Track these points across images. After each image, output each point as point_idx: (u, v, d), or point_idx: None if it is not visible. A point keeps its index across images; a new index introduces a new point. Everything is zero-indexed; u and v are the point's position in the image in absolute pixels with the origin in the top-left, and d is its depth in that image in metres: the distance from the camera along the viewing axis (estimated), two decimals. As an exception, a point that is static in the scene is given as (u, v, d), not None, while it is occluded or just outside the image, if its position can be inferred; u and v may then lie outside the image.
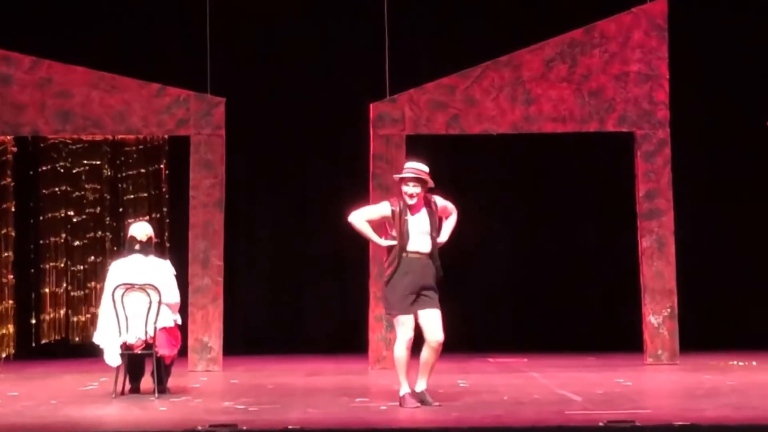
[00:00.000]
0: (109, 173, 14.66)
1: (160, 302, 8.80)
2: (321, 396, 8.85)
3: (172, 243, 14.20)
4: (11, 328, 13.96)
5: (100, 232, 14.61)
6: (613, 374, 10.55)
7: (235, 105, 12.70)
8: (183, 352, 10.25)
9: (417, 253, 7.91)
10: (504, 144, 13.20)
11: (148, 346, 8.79)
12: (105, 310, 8.89)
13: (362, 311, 12.45)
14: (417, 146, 12.19)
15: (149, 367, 9.04)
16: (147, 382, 9.09)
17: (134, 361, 9.00)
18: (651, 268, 11.97)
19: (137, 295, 8.76)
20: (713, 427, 6.76)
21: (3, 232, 13.89)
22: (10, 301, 13.79)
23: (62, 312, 14.45)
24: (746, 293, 14.11)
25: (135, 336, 8.78)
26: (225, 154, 12.14)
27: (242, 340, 14.02)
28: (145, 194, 14.58)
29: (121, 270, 8.93)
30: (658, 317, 11.91)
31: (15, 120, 12.16)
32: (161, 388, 8.87)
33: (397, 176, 8.13)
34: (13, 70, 12.09)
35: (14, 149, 13.80)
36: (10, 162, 13.83)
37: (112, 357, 8.79)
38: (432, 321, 7.88)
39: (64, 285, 14.50)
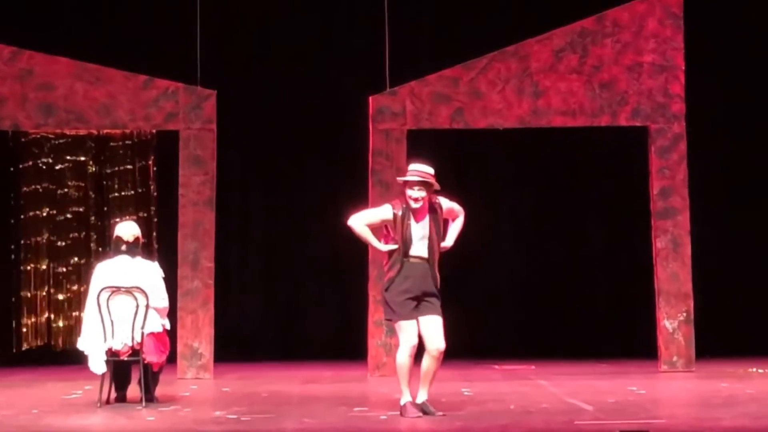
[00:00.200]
0: (93, 170, 14.68)
1: (147, 306, 8.78)
2: (318, 405, 8.85)
3: (160, 244, 14.21)
4: (-9, 333, 13.97)
5: (84, 232, 14.63)
6: (625, 382, 10.55)
7: (227, 98, 12.69)
8: (172, 359, 10.24)
9: (418, 258, 7.90)
10: (510, 139, 13.19)
11: (135, 352, 8.78)
12: (89, 315, 8.87)
13: (361, 315, 12.45)
14: (418, 141, 12.21)
15: (136, 375, 9.02)
16: (134, 390, 9.08)
17: (120, 368, 8.99)
18: (665, 270, 11.96)
19: (123, 298, 8.75)
20: (731, 438, 6.75)
21: (-18, 232, 13.93)
22: (-10, 305, 13.82)
23: (44, 316, 14.46)
24: (766, 296, 14.10)
25: (121, 342, 8.77)
26: (216, 149, 12.12)
27: (234, 346, 14.01)
28: (132, 192, 14.60)
29: (106, 272, 8.92)
30: (673, 322, 11.90)
31: (-6, 114, 12.14)
32: (149, 397, 8.86)
33: (401, 179, 8.10)
34: (-8, 61, 12.09)
35: (-7, 145, 13.83)
36: (-10, 158, 13.87)
37: (97, 364, 8.77)
38: (433, 328, 7.87)
39: (47, 288, 14.52)
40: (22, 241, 14.48)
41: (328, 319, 14.59)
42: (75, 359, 10.70)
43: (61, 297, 14.52)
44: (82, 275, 14.37)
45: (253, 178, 14.84)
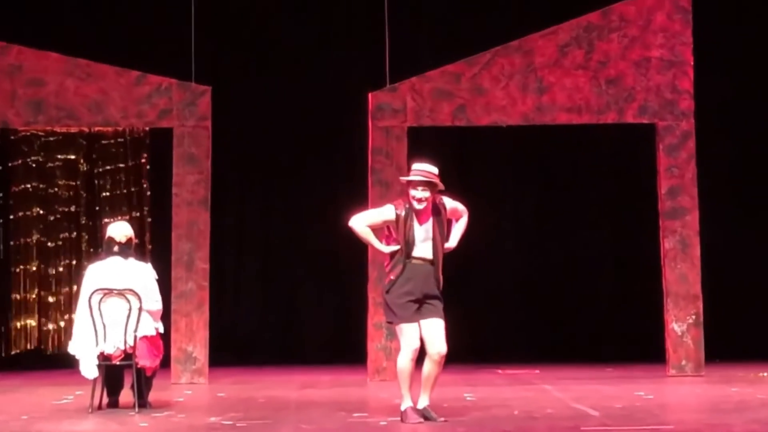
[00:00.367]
0: (85, 168, 14.69)
1: (140, 309, 8.79)
2: (316, 410, 8.85)
3: (153, 244, 14.23)
4: (-21, 337, 13.99)
5: (75, 233, 14.64)
6: (632, 387, 10.55)
7: (222, 94, 12.69)
8: (165, 363, 10.25)
9: (421, 259, 7.90)
10: (514, 136, 13.21)
11: (128, 356, 8.78)
12: (81, 318, 8.88)
13: (360, 318, 12.46)
14: (419, 139, 12.22)
15: (129, 380, 9.03)
16: (126, 395, 9.08)
17: (112, 372, 8.99)
18: (674, 272, 11.97)
19: (116, 301, 8.75)
20: (742, 445, 6.75)
21: (-30, 232, 13.95)
22: (-22, 308, 13.84)
23: (34, 319, 14.46)
24: (778, 298, 14.14)
25: (113, 345, 8.77)
26: (211, 147, 12.13)
27: (230, 350, 14.02)
28: (125, 191, 14.61)
29: (98, 274, 8.92)
30: (682, 325, 11.91)
31: (-18, 111, 12.15)
32: (142, 403, 8.86)
33: (404, 179, 8.10)
34: (-20, 57, 12.10)
35: (-18, 143, 13.85)
36: (-22, 157, 13.89)
37: (89, 368, 8.78)
38: (434, 332, 7.87)
39: (37, 290, 14.52)
40: (12, 242, 14.49)
41: (326, 322, 14.60)
42: (66, 363, 10.70)
43: (51, 299, 14.52)
44: (73, 277, 14.38)
45: (249, 176, 14.85)
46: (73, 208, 14.66)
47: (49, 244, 14.60)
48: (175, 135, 12.10)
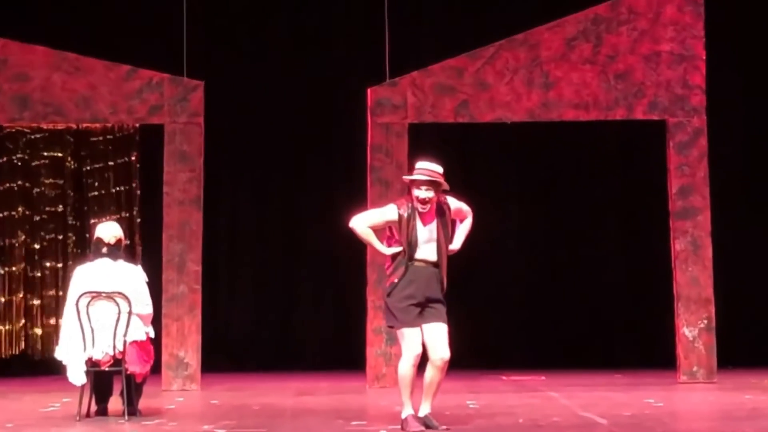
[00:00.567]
0: (72, 166, 14.67)
1: (130, 313, 8.78)
2: (313, 418, 8.85)
3: (143, 246, 14.21)
4: (-38, 341, 13.98)
5: (62, 234, 14.63)
6: (642, 394, 10.56)
7: (215, 89, 12.68)
8: (156, 370, 10.24)
9: (424, 261, 7.90)
10: (519, 134, 13.20)
11: (117, 362, 8.78)
12: (68, 322, 8.87)
13: (359, 323, 12.45)
14: (420, 136, 12.22)
15: (118, 386, 9.03)
16: (115, 402, 9.08)
17: (101, 379, 8.99)
18: (685, 274, 11.96)
19: (104, 304, 8.75)
20: (756, 454, 6.74)
21: (-48, 233, 13.94)
22: (-39, 312, 13.83)
23: (20, 324, 14.45)
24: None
25: (102, 351, 8.77)
26: (204, 144, 12.12)
27: (223, 355, 14.02)
28: (114, 190, 14.60)
29: (86, 276, 8.91)
30: (693, 329, 11.90)
31: (-34, 106, 12.15)
32: (131, 410, 8.86)
33: (407, 178, 8.08)
34: (-36, 50, 12.10)
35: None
36: (-40, 154, 13.88)
37: (76, 374, 8.77)
38: (437, 337, 7.87)
39: (22, 293, 14.51)
40: (-4, 244, 14.49)
41: (323, 326, 14.60)
42: (53, 369, 10.70)
43: (37, 303, 14.51)
44: (60, 279, 14.37)
45: (243, 175, 14.84)
46: (60, 208, 14.65)
47: (34, 245, 14.58)
48: (166, 132, 12.09)
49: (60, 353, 8.90)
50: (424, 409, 7.97)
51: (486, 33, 12.50)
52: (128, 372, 8.80)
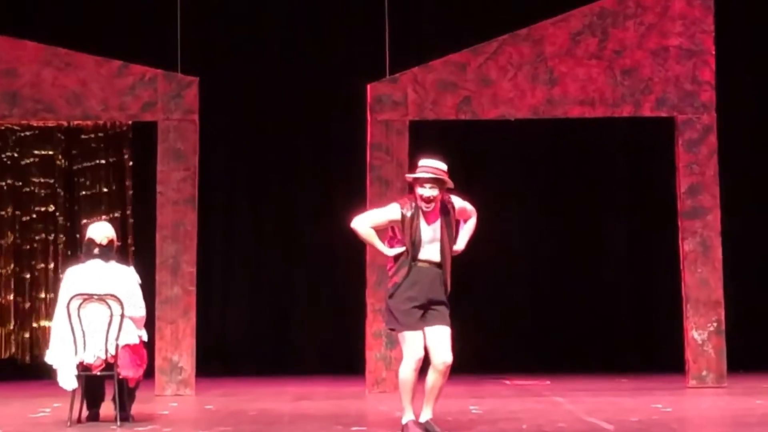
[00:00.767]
0: (63, 165, 14.68)
1: (122, 315, 8.78)
2: (311, 424, 8.85)
3: (136, 246, 14.22)
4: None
5: (52, 234, 14.64)
6: (649, 399, 10.57)
7: (210, 85, 12.69)
8: (149, 374, 10.24)
9: (428, 262, 7.89)
10: (523, 131, 13.20)
11: (109, 366, 8.78)
12: (59, 325, 8.87)
13: (358, 326, 12.44)
14: (421, 134, 12.21)
15: (110, 391, 9.03)
16: (107, 408, 9.07)
17: (93, 383, 8.98)
18: (694, 276, 11.96)
19: (96, 307, 8.75)
20: (767, 461, 6.75)
21: (-60, 233, 13.95)
22: (-51, 314, 13.84)
23: (9, 326, 14.46)
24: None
25: (93, 355, 8.76)
26: (198, 142, 12.12)
27: (218, 359, 14.03)
28: (105, 189, 14.60)
29: (77, 278, 8.91)
30: (703, 333, 11.90)
31: (-47, 103, 12.15)
32: (124, 416, 8.86)
33: (410, 176, 8.07)
34: (-49, 45, 12.10)
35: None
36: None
37: (67, 379, 8.77)
38: (439, 340, 7.86)
39: (11, 295, 14.51)
40: (-16, 244, 14.50)
41: (322, 329, 14.60)
42: (43, 374, 10.70)
43: (27, 305, 14.52)
44: (50, 281, 14.37)
45: (239, 174, 14.85)
46: (50, 208, 14.66)
47: (24, 246, 14.59)
48: (159, 129, 12.09)
49: (50, 357, 8.89)
50: (426, 415, 7.97)
51: (489, 27, 12.50)
52: (121, 376, 8.80)
